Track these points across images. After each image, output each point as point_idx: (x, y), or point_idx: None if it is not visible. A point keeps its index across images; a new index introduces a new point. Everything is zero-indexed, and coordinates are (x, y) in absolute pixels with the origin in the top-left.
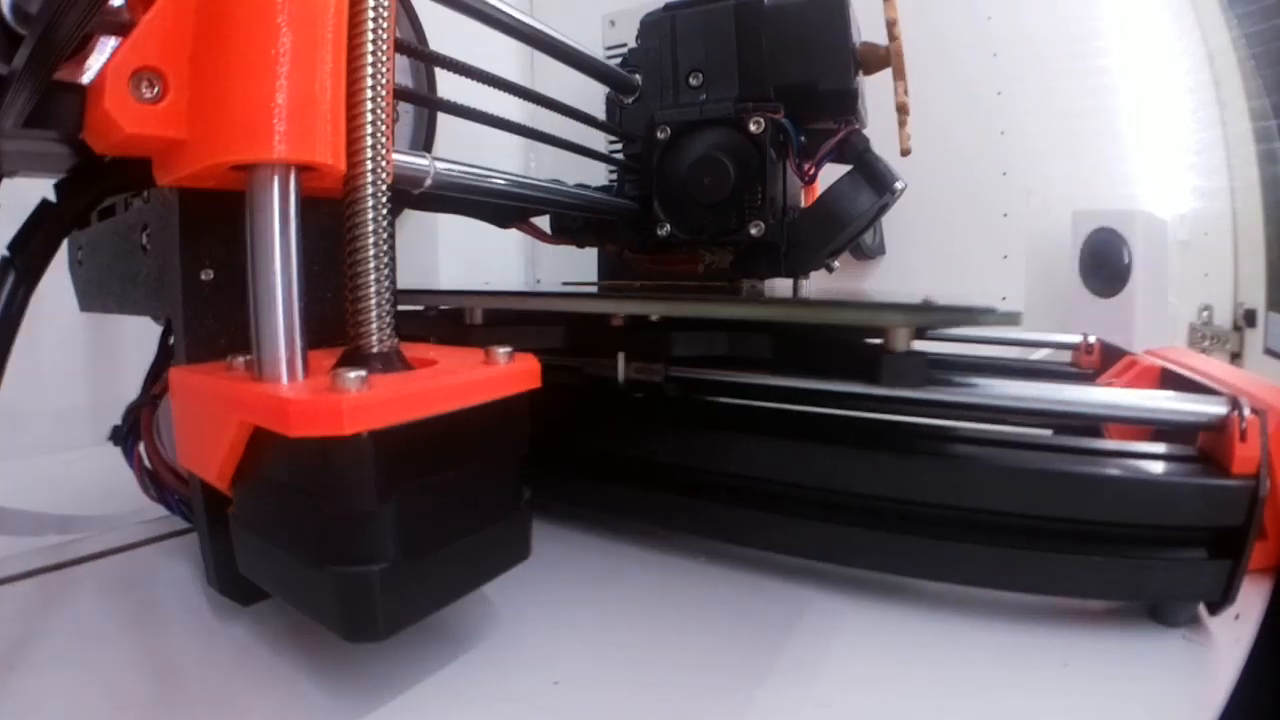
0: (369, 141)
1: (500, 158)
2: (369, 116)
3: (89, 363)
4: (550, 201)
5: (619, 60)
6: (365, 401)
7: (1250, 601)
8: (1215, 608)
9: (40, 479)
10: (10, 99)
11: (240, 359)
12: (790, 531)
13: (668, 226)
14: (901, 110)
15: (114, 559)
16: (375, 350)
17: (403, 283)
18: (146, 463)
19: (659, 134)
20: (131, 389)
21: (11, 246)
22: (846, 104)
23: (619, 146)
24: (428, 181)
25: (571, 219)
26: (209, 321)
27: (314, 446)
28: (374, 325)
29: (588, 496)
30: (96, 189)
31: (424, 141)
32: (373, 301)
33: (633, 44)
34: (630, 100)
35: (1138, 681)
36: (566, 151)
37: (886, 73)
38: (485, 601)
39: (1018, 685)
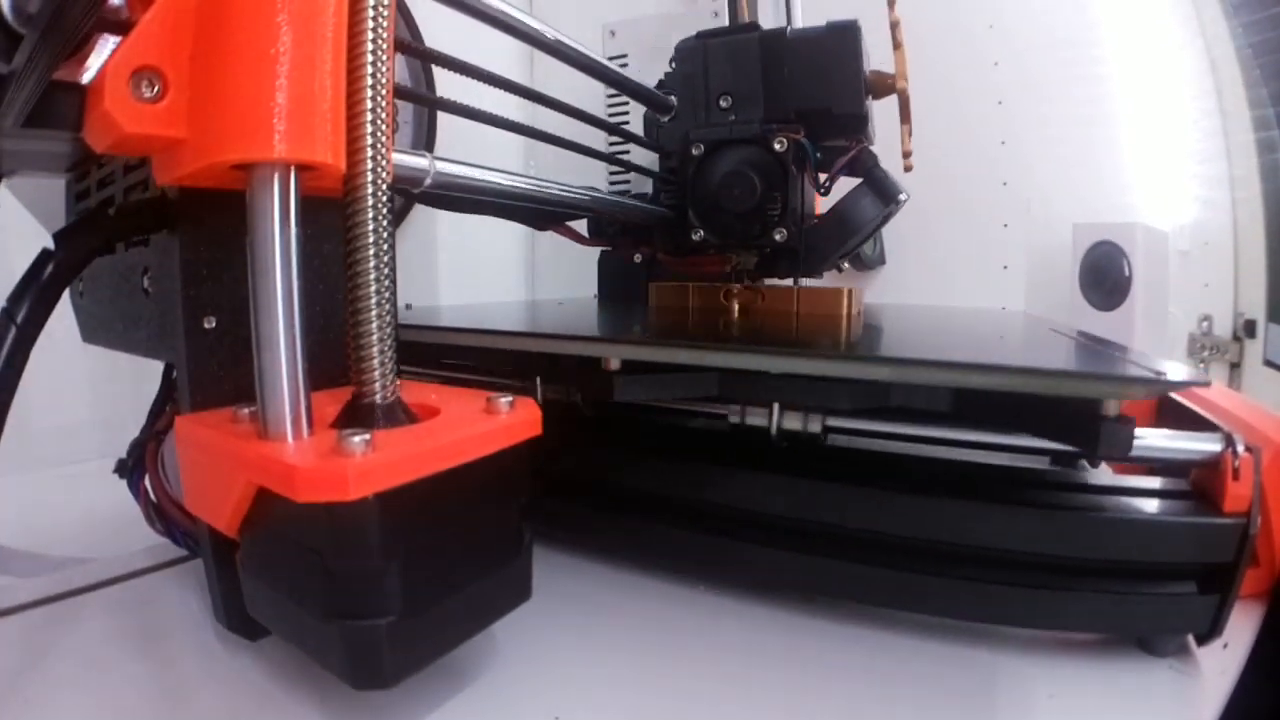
0: (369, 140)
1: (499, 158)
2: (369, 115)
3: (92, 376)
4: (592, 208)
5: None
6: (370, 465)
7: (1240, 629)
8: (1203, 639)
9: (43, 493)
10: (10, 98)
11: (245, 410)
12: (777, 563)
13: (701, 232)
14: (906, 156)
15: (121, 587)
16: (378, 401)
17: (403, 288)
18: (152, 496)
19: (693, 150)
20: (135, 402)
21: (11, 298)
22: (858, 125)
23: (620, 146)
24: (427, 181)
25: (608, 223)
26: (213, 370)
27: (320, 509)
28: (376, 374)
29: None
30: (98, 238)
31: (426, 143)
32: (375, 345)
33: (633, 53)
34: (667, 119)
35: (1124, 713)
36: (567, 151)
37: (893, 96)
38: (486, 633)
39: (1003, 717)
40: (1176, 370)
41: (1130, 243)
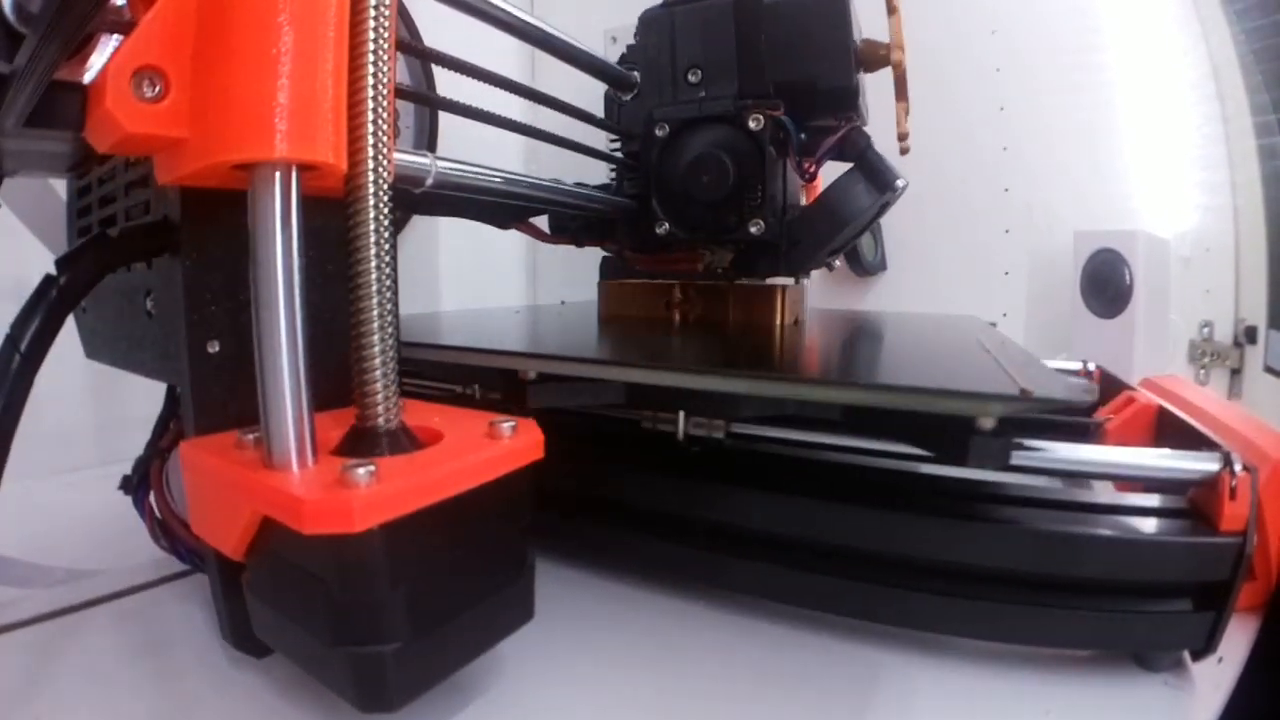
0: (370, 140)
1: (499, 160)
2: (370, 115)
3: (92, 381)
4: (548, 200)
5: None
6: (376, 497)
7: (1235, 642)
8: (1199, 655)
9: (44, 500)
10: (11, 98)
11: (250, 435)
12: (781, 580)
13: (666, 225)
14: (902, 138)
15: (126, 600)
16: (381, 426)
17: (404, 293)
18: (157, 513)
19: (657, 131)
20: (136, 407)
21: (15, 324)
22: (847, 101)
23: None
24: (429, 180)
25: (570, 218)
26: (217, 393)
27: (325, 540)
28: (379, 398)
29: (632, 551)
30: (101, 262)
31: (426, 145)
32: (378, 370)
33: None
34: (628, 97)
35: None
36: (568, 151)
37: (888, 69)
38: None
39: None
40: (1050, 387)
41: (1131, 250)
